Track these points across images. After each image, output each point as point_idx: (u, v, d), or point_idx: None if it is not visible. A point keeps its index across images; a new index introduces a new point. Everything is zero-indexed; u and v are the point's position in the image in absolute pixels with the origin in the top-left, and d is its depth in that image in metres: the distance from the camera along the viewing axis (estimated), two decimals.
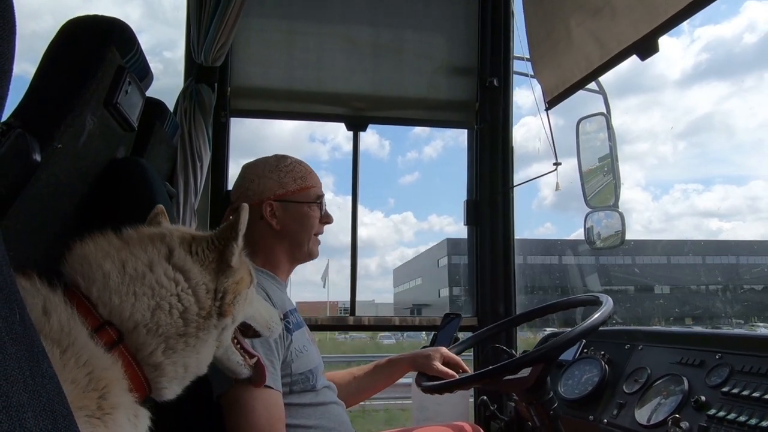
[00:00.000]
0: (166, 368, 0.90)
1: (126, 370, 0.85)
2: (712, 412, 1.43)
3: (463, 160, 2.93)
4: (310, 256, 1.77)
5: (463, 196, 2.89)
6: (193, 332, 0.92)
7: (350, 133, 2.80)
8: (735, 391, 1.42)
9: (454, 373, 1.78)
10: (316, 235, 1.77)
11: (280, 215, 1.70)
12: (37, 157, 1.00)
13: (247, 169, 1.79)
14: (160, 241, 0.96)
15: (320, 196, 1.77)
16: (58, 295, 0.83)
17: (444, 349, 1.86)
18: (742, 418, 1.35)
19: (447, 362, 1.83)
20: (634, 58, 1.99)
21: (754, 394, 1.37)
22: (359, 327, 2.79)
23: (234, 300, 0.99)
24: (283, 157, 1.78)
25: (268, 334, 1.17)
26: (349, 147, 2.82)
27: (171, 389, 0.93)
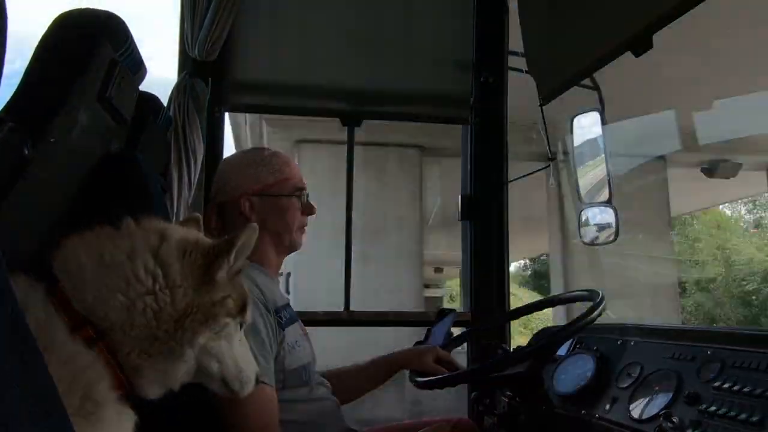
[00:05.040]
0: (145, 370, 0.87)
1: (106, 368, 0.83)
2: (704, 406, 1.44)
3: None
4: (293, 247, 1.75)
5: None
6: (163, 337, 0.87)
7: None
8: (727, 386, 1.43)
9: (446, 371, 1.78)
10: (301, 227, 1.75)
11: (259, 209, 1.68)
12: (30, 152, 0.99)
13: (224, 164, 1.79)
14: (156, 233, 0.92)
15: (299, 188, 1.74)
16: (39, 292, 0.81)
17: (437, 347, 1.86)
18: (733, 413, 1.35)
19: (439, 360, 1.83)
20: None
21: (746, 389, 1.38)
22: (354, 322, 2.79)
23: (206, 323, 0.90)
24: (260, 150, 1.76)
25: (237, 387, 1.00)
26: None
27: (153, 391, 0.90)
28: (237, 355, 0.99)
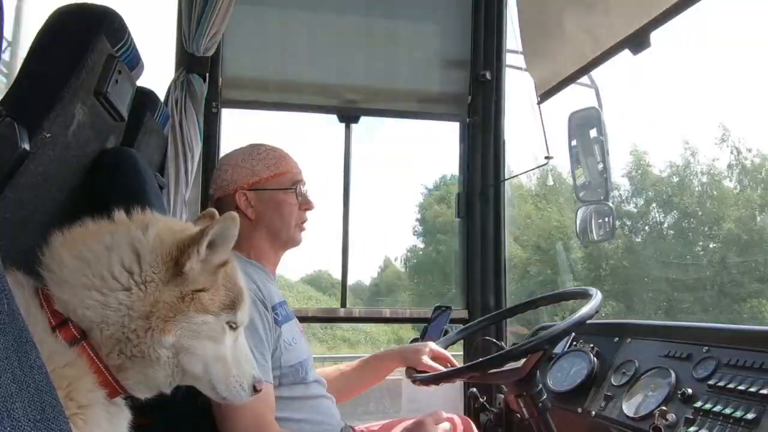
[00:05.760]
0: (127, 372, 0.83)
1: (91, 367, 0.80)
2: (699, 404, 1.45)
3: None
4: (293, 242, 1.73)
5: None
6: (134, 338, 0.82)
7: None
8: (721, 383, 1.44)
9: (443, 368, 1.78)
10: (301, 223, 1.73)
11: (255, 204, 1.67)
12: (26, 147, 0.99)
13: (222, 159, 1.78)
14: (140, 225, 0.88)
15: (296, 182, 1.72)
16: (25, 288, 0.80)
17: (432, 344, 1.86)
18: (727, 411, 1.36)
19: (435, 357, 1.83)
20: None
21: (740, 387, 1.38)
22: (350, 319, 2.79)
23: (173, 319, 0.83)
24: (257, 146, 1.74)
25: (224, 393, 0.92)
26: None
27: (139, 391, 0.87)
28: (228, 357, 0.90)
